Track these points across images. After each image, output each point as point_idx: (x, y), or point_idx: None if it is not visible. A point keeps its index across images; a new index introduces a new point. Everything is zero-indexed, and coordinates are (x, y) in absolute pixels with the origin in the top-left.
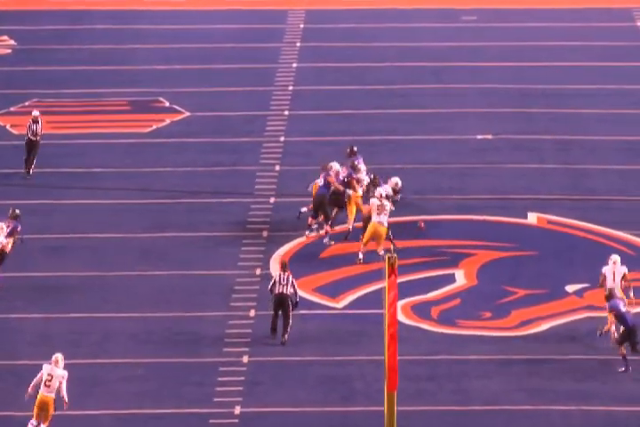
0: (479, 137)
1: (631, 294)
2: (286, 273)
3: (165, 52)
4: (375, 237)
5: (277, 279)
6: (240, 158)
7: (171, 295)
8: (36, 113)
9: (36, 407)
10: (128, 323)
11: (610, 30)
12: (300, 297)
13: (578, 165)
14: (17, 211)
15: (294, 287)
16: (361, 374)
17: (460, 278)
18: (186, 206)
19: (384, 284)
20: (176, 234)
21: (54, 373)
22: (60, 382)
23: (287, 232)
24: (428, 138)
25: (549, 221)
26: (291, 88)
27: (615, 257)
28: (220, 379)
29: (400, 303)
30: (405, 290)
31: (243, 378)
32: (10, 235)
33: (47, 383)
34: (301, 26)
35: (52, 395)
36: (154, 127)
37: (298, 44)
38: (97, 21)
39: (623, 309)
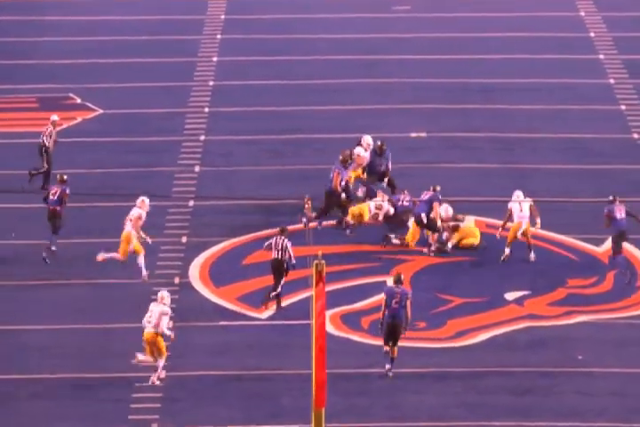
0: (413, 135)
1: (537, 221)
2: (282, 237)
3: (76, 44)
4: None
5: (273, 243)
6: (157, 159)
7: (82, 306)
8: (55, 117)
9: (144, 344)
10: (37, 336)
11: (551, 20)
12: (223, 307)
13: (518, 165)
14: (65, 176)
15: (289, 252)
16: (287, 390)
17: None
18: (99, 210)
19: (311, 292)
20: (88, 240)
21: (155, 308)
22: (160, 318)
23: (207, 238)
24: (359, 136)
25: (488, 225)
26: (211, 83)
27: (518, 192)
28: (135, 395)
29: (328, 313)
30: (334, 299)
31: (160, 394)
32: (60, 201)
33: (148, 319)
34: (222, 17)
35: (154, 330)
36: (64, 126)
37: (219, 37)
38: (1, 13)
39: (395, 304)
